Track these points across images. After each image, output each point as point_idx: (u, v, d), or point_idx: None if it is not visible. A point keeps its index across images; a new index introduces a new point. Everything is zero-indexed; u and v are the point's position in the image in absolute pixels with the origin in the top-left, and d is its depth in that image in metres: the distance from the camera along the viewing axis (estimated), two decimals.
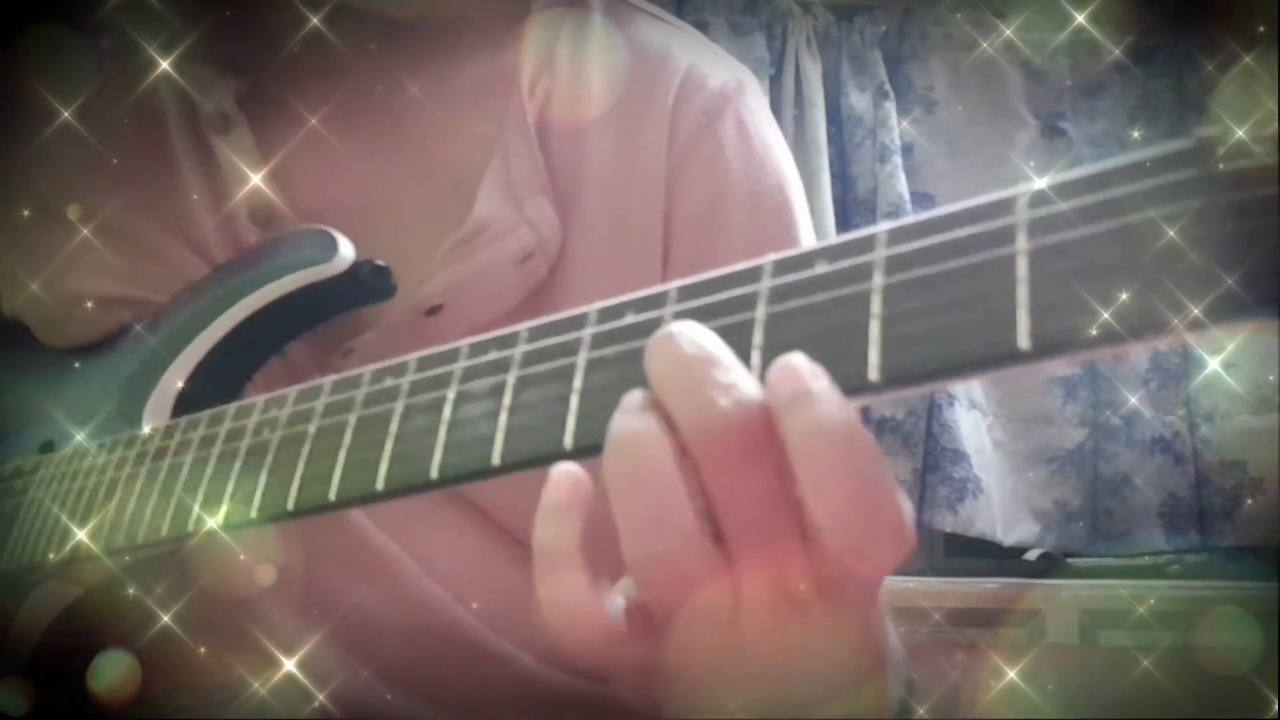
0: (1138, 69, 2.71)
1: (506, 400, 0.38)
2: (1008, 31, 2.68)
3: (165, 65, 0.71)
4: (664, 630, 0.39)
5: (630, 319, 0.35)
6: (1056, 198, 0.31)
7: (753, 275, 0.34)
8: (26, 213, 0.72)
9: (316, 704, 0.67)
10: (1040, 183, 0.32)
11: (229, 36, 0.72)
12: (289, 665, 0.68)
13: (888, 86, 2.69)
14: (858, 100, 2.69)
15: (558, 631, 0.40)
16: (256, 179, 0.69)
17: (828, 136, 2.64)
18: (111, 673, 0.61)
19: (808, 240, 0.74)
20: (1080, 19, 2.46)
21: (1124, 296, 0.29)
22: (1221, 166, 0.29)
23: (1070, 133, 2.70)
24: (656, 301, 0.35)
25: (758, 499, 0.37)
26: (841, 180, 2.66)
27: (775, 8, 2.70)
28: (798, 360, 0.35)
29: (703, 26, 2.57)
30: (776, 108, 2.62)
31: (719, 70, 0.75)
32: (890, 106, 2.68)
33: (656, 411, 0.36)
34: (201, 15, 0.73)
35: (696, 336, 0.35)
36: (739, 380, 0.35)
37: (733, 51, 0.99)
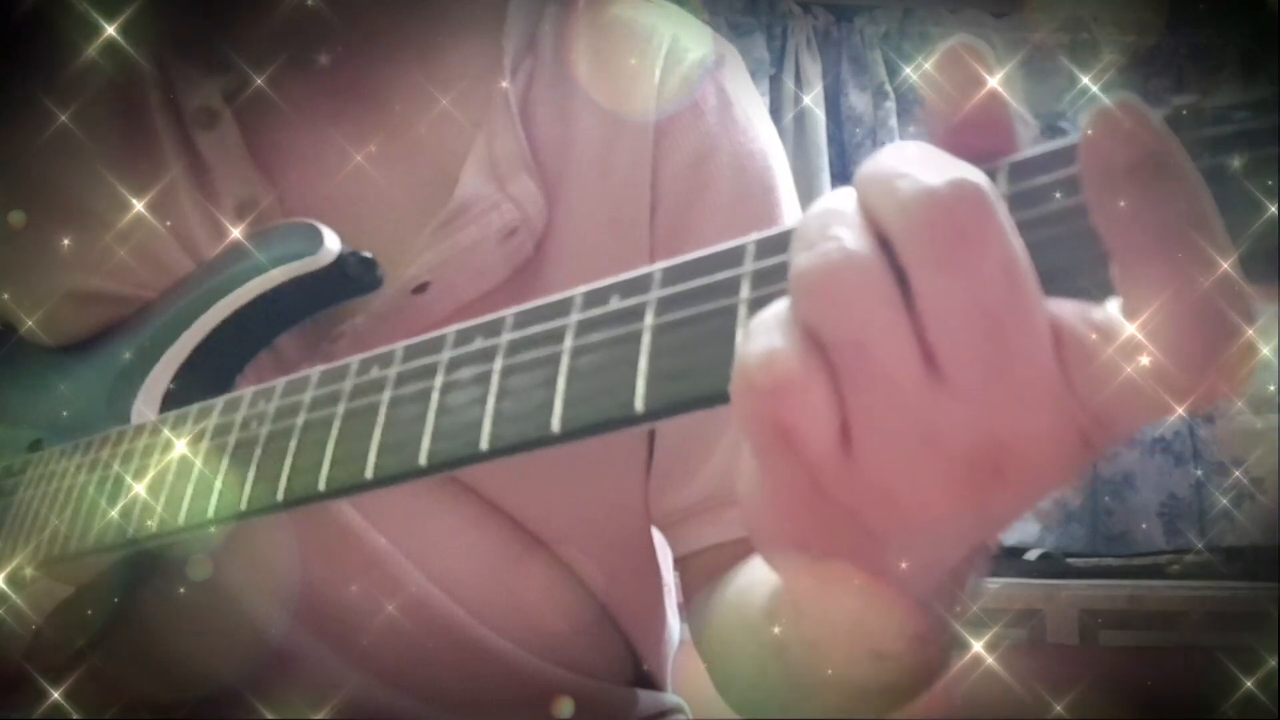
0: (1138, 69, 2.71)
1: (493, 387, 0.38)
2: (1008, 31, 2.68)
3: (127, 61, 0.71)
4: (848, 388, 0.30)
5: (615, 304, 0.35)
6: None
7: (736, 257, 0.33)
8: (11, 210, 0.72)
9: (311, 703, 0.67)
10: None
11: (216, 32, 0.72)
12: (281, 664, 0.68)
13: (888, 86, 2.69)
14: (858, 100, 2.69)
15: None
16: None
17: (828, 136, 2.65)
18: None
19: (791, 209, 0.74)
20: (1080, 19, 2.46)
21: None
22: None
23: (1070, 133, 2.70)
24: (641, 285, 0.35)
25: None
26: (842, 180, 2.66)
27: (775, 8, 2.70)
28: None
29: None
30: (776, 108, 2.62)
31: (700, 44, 0.75)
32: (890, 106, 2.68)
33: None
34: (189, 12, 0.73)
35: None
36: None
37: None
